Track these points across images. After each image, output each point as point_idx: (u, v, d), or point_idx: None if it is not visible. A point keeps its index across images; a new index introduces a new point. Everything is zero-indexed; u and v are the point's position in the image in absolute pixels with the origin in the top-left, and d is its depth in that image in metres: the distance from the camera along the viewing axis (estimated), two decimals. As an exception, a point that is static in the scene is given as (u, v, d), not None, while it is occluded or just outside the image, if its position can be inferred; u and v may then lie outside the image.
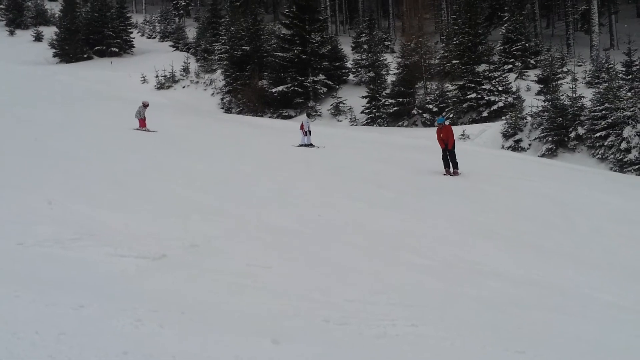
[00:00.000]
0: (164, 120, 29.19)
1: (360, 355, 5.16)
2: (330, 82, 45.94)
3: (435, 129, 21.21)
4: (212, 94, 50.48)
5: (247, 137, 27.47)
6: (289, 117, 44.32)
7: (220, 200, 12.54)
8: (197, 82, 52.92)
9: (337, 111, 43.22)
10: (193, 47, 61.10)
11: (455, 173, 19.63)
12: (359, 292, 7.22)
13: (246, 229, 10.14)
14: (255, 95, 45.61)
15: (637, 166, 27.99)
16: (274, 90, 45.41)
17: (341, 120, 42.46)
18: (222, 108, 48.07)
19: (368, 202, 14.29)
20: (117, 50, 63.40)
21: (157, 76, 52.24)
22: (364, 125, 40.93)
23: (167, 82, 52.48)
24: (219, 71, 51.78)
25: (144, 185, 13.20)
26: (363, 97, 42.41)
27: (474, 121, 38.15)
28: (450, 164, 19.73)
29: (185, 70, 53.89)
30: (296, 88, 44.95)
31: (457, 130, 34.78)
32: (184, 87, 52.42)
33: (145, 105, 25.27)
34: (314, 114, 43.60)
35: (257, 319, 5.80)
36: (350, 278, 7.94)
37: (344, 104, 43.44)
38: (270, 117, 44.52)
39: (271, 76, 46.77)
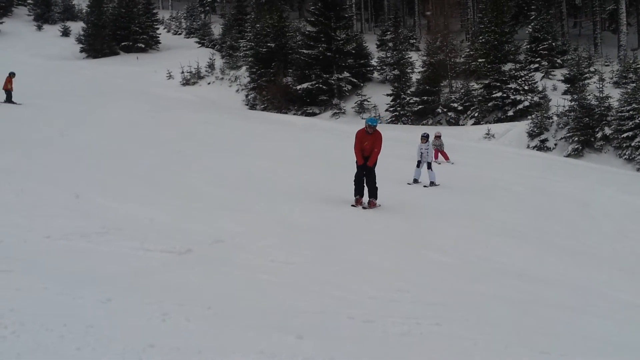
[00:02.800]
0: (192, 116, 29.41)
1: (386, 352, 5.16)
2: (355, 80, 45.85)
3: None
4: (237, 91, 50.61)
5: (271, 133, 27.55)
6: (313, 114, 44.32)
7: (245, 197, 12.61)
8: (222, 78, 53.08)
9: (361, 109, 43.16)
10: (218, 43, 61.30)
11: (373, 204, 13.24)
12: (383, 290, 7.23)
13: (270, 226, 10.18)
14: (279, 92, 45.67)
15: (661, 167, 27.73)
16: (298, 87, 45.44)
17: (365, 118, 42.39)
18: (247, 105, 48.18)
19: (390, 200, 14.29)
20: (143, 46, 63.77)
21: (182, 72, 52.48)
22: (388, 123, 40.84)
23: (192, 79, 52.72)
24: (244, 68, 51.91)
25: (170, 180, 13.30)
26: (388, 95, 42.32)
27: (499, 120, 37.93)
28: (367, 189, 13.29)
29: (211, 66, 54.07)
30: (321, 85, 44.92)
31: (482, 129, 34.62)
32: (209, 83, 52.61)
33: (437, 137, 23.52)
34: (338, 111, 43.53)
35: (281, 315, 5.83)
36: (373, 275, 7.95)
37: (368, 101, 43.37)
38: (294, 114, 44.54)
39: (296, 73, 46.80)
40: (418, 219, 12.88)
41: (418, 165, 17.93)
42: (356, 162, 13.34)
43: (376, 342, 5.40)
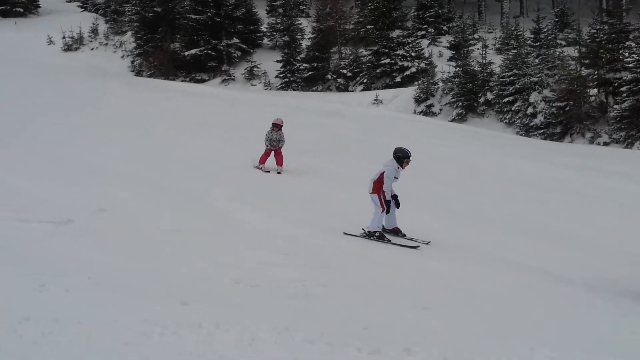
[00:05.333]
0: (75, 82, 28.37)
1: (272, 315, 5.17)
2: (245, 46, 45.32)
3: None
4: (122, 57, 49.06)
5: (160, 101, 26.93)
6: (202, 81, 43.58)
7: (132, 165, 12.27)
8: (107, 44, 51.26)
9: (251, 75, 42.77)
10: (102, 7, 59.08)
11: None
12: (272, 255, 7.24)
13: (160, 194, 9.96)
14: (167, 59, 44.59)
15: (542, 130, 29.01)
16: (186, 53, 44.46)
17: (255, 85, 42.06)
18: (133, 71, 46.82)
19: (288, 167, 14.20)
20: (21, 10, 60.74)
21: (64, 37, 50.37)
22: (279, 89, 40.74)
23: (74, 44, 50.67)
24: (129, 33, 50.29)
25: (54, 152, 12.77)
26: (277, 61, 42.10)
27: (387, 86, 38.47)
28: None
29: (94, 31, 52.07)
30: (209, 52, 44.14)
31: (370, 95, 35.12)
32: (92, 49, 50.71)
33: (276, 126, 14.25)
34: (227, 78, 43.03)
35: (167, 283, 5.74)
36: (263, 241, 7.94)
37: (258, 68, 43.01)
38: (182, 81, 43.66)
39: (184, 39, 45.73)
40: (317, 185, 12.92)
41: (388, 209, 9.50)
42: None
43: (263, 306, 5.41)
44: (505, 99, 30.80)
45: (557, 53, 33.09)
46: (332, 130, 20.84)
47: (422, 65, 38.59)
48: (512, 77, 30.95)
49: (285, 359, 4.28)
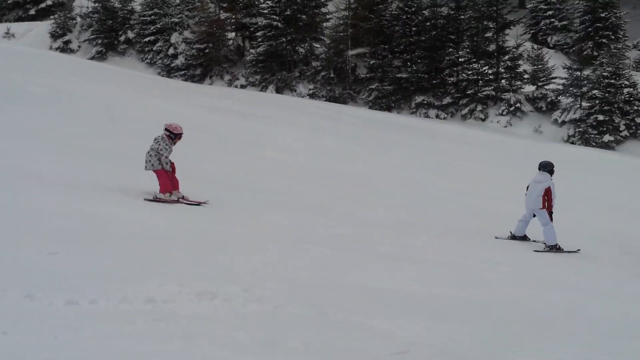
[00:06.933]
0: None
1: None
2: None
3: None
4: None
5: None
6: None
7: None
8: None
9: None
10: None
11: None
12: None
13: None
14: None
15: (183, 72, 29.53)
16: None
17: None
18: None
19: None
20: None
21: None
22: None
23: None
24: None
25: None
26: None
27: (20, 19, 35.95)
28: None
29: None
30: None
31: (1, 28, 32.56)
32: None
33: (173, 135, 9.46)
34: None
35: None
36: None
37: None
38: None
39: None
40: None
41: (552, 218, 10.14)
42: None
43: None
44: (147, 39, 30.75)
45: (198, -5, 33.81)
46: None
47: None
48: (153, 17, 30.94)
49: None
